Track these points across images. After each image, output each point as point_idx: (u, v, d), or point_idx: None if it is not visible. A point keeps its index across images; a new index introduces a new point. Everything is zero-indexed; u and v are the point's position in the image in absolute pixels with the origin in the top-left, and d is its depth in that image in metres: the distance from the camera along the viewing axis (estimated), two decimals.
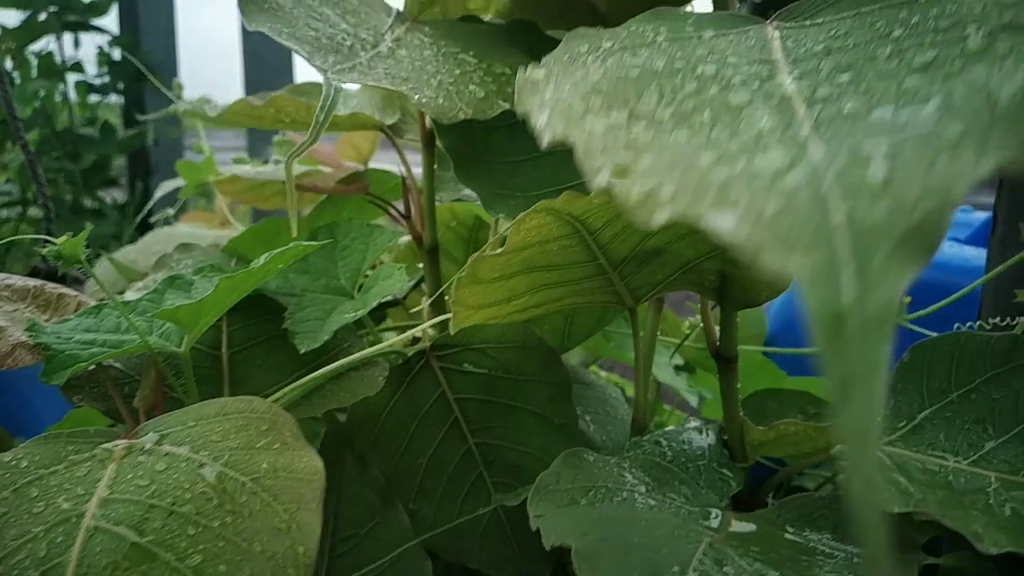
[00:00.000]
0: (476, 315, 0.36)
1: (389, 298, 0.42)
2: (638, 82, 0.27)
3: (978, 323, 0.43)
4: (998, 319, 0.43)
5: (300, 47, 0.33)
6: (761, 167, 0.19)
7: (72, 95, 1.95)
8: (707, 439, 0.45)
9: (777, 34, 0.30)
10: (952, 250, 0.95)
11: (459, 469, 0.47)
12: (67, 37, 1.93)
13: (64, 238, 0.34)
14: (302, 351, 0.38)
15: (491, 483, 0.47)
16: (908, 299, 0.46)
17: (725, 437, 0.45)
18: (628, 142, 0.23)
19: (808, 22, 0.30)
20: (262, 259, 0.33)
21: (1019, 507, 0.35)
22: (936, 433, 0.40)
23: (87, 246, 0.35)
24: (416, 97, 0.34)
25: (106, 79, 1.96)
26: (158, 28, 1.87)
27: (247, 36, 1.76)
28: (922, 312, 0.46)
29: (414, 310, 0.49)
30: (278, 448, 0.28)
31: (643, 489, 0.40)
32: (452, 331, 0.36)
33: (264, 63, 1.75)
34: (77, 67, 1.97)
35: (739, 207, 0.17)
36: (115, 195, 1.98)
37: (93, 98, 1.98)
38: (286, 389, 0.36)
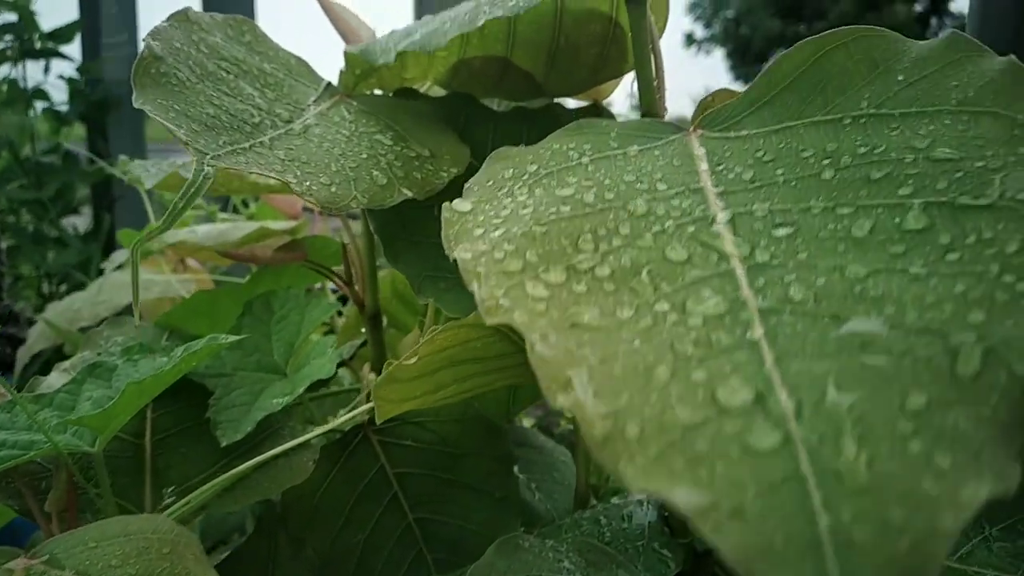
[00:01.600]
0: (402, 406, 0.35)
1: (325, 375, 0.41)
2: (571, 224, 0.26)
3: None
4: None
5: (183, 126, 0.32)
6: (725, 402, 0.18)
7: (36, 123, 1.92)
8: (648, 515, 0.44)
9: (702, 151, 0.29)
10: None
11: (398, 546, 0.46)
12: (36, 64, 1.91)
13: None
14: (223, 444, 0.37)
15: (431, 560, 0.46)
16: None
17: (666, 513, 0.45)
18: (571, 322, 0.21)
19: (732, 133, 0.29)
20: (179, 352, 0.32)
21: None
22: None
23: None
24: (307, 184, 0.33)
25: (68, 107, 1.93)
26: (120, 55, 1.86)
27: None
28: None
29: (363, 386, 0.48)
30: (179, 573, 0.27)
31: (579, 575, 0.39)
32: (377, 422, 0.36)
33: None
34: (42, 95, 1.94)
35: (713, 487, 0.16)
36: (77, 223, 1.95)
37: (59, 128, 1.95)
38: (205, 487, 0.35)
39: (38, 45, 1.93)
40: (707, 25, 29.32)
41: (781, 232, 0.24)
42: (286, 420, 0.42)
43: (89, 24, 1.88)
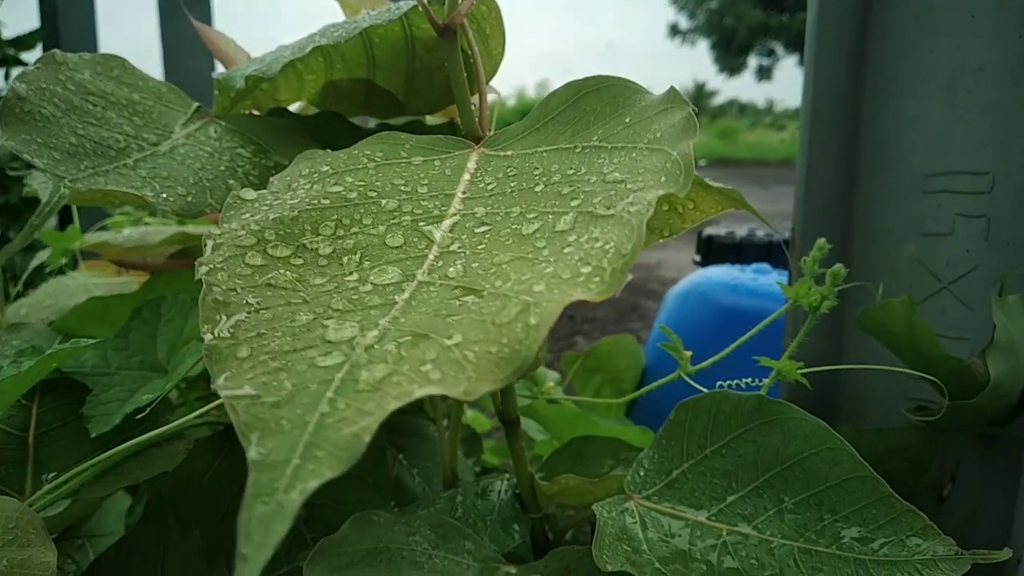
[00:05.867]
0: None
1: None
2: (324, 212, 0.31)
3: (735, 381, 0.48)
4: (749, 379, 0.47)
5: (44, 156, 0.36)
6: (331, 338, 0.23)
7: None
8: (501, 495, 0.49)
9: (474, 165, 0.34)
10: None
11: None
12: None
13: None
14: (92, 435, 0.41)
15: (309, 539, 0.50)
16: (689, 353, 0.50)
17: (518, 491, 0.49)
18: (267, 283, 0.26)
19: (501, 152, 0.34)
20: (25, 366, 0.37)
21: (737, 560, 0.39)
22: (689, 487, 0.44)
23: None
24: (163, 196, 0.37)
25: None
26: None
27: (168, 66, 1.79)
28: (700, 365, 0.50)
29: None
30: (21, 544, 0.31)
31: (427, 546, 0.44)
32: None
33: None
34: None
35: (265, 387, 0.21)
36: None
37: None
38: (77, 470, 0.39)
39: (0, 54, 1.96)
40: (691, 16, 29.41)
41: (481, 229, 0.29)
42: (167, 416, 0.46)
43: (50, 32, 1.91)
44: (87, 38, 1.89)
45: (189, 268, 0.54)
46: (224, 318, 0.25)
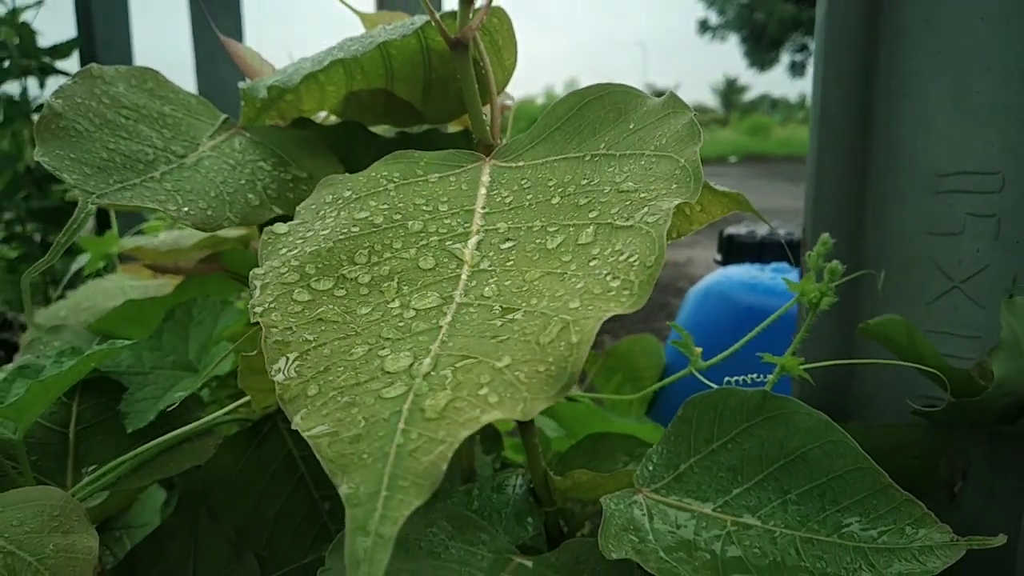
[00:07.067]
0: (273, 396, 0.42)
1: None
2: (356, 240, 0.32)
3: (741, 378, 0.49)
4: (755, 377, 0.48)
5: (75, 172, 0.38)
6: (389, 368, 0.25)
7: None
8: (516, 489, 0.51)
9: (488, 178, 0.35)
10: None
11: (305, 521, 0.53)
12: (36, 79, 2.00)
13: None
14: (128, 431, 0.43)
15: (334, 531, 0.53)
16: (699, 350, 0.51)
17: (532, 485, 0.51)
18: (318, 318, 0.28)
19: (512, 164, 0.36)
20: (66, 365, 0.39)
21: (740, 549, 0.41)
22: (696, 480, 0.45)
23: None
24: (185, 209, 0.39)
25: None
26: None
27: (201, 74, 1.83)
28: (711, 361, 0.51)
29: None
30: (65, 531, 0.34)
31: (443, 537, 0.45)
32: (256, 411, 0.42)
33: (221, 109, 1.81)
34: (42, 108, 2.03)
35: (340, 423, 0.23)
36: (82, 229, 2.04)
37: None
38: (113, 463, 0.42)
39: (35, 63, 2.02)
40: (721, 11, 29.19)
41: (506, 245, 0.30)
42: (198, 413, 0.49)
43: (86, 40, 1.96)
44: (122, 47, 1.94)
45: (219, 271, 0.56)
46: (288, 358, 0.26)
